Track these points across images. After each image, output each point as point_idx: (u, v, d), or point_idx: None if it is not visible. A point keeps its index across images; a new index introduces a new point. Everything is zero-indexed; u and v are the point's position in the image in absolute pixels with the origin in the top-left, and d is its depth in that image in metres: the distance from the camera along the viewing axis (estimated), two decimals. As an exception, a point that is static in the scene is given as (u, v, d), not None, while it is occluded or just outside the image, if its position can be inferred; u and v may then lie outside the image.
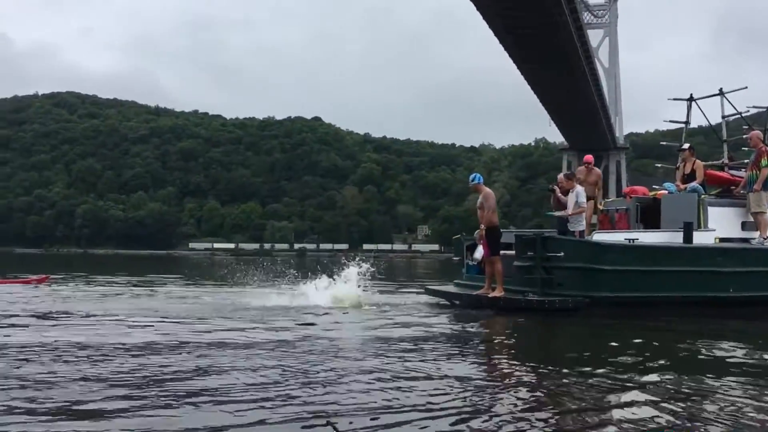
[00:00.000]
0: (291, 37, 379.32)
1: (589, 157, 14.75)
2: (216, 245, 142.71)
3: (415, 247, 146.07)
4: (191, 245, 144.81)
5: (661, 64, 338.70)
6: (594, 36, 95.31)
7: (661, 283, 11.90)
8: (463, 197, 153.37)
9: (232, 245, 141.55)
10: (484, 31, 66.53)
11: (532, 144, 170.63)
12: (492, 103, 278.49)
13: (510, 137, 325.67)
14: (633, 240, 12.16)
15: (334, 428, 1.97)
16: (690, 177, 13.74)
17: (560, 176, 13.52)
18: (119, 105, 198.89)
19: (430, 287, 15.14)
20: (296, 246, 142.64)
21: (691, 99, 16.77)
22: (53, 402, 4.73)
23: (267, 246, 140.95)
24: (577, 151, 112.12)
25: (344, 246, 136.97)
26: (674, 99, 17.61)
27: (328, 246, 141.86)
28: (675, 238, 12.30)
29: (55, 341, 7.56)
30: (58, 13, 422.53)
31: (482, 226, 12.31)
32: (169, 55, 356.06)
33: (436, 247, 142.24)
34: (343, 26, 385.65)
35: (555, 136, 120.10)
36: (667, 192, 13.75)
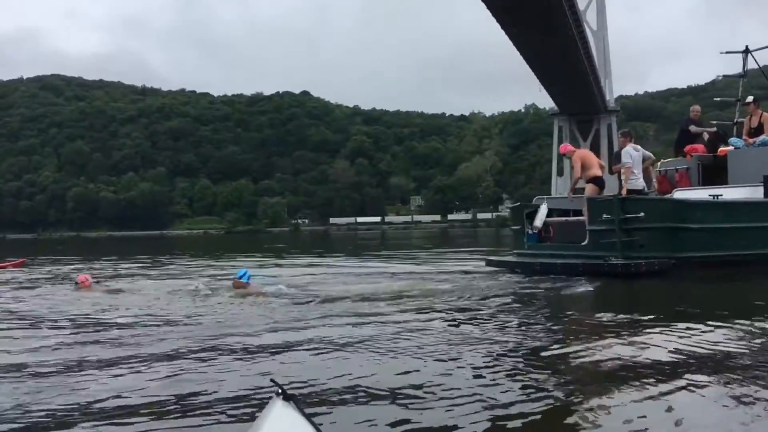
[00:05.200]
0: (278, 10, 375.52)
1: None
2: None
3: (416, 217, 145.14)
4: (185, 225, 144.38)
5: (650, 24, 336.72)
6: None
7: (751, 240, 11.49)
8: (454, 166, 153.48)
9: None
10: (470, -3, 65.77)
11: (522, 110, 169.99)
12: (481, 71, 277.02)
13: (500, 104, 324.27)
14: (717, 196, 11.74)
15: (280, 388, 2.05)
16: (757, 130, 13.32)
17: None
18: (105, 86, 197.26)
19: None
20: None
21: (746, 51, 15.94)
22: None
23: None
24: (568, 116, 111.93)
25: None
26: (727, 52, 16.86)
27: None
28: (754, 193, 11.88)
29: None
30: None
31: None
32: (154, 34, 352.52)
33: (437, 217, 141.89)
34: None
35: (545, 101, 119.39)
36: (732, 148, 13.24)
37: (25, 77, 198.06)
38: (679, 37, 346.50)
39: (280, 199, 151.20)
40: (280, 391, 2.14)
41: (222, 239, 78.69)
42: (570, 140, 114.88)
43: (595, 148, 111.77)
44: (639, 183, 12.18)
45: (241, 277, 9.90)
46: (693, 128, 14.43)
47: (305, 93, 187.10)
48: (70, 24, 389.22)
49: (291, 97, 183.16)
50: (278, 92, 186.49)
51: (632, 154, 12.23)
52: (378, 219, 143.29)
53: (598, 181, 12.82)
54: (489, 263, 14.12)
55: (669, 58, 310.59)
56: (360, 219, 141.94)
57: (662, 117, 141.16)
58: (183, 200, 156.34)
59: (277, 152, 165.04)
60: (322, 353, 5.45)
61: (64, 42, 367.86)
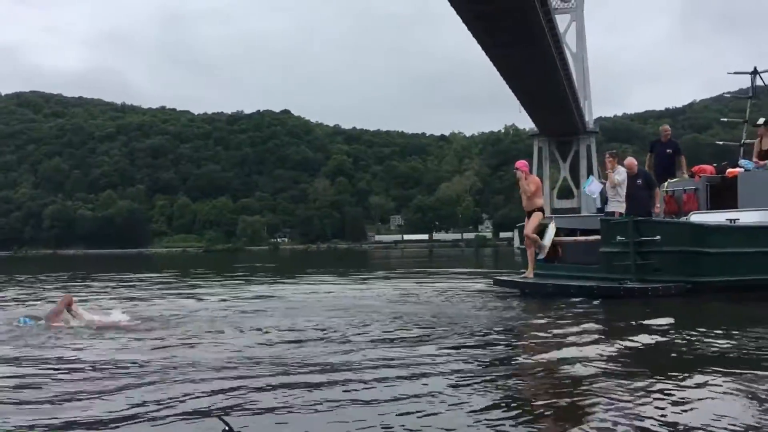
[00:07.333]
0: (259, 29, 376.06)
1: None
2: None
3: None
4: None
5: (629, 47, 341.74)
6: (561, 21, 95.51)
7: None
8: (434, 186, 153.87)
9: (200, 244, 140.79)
10: (453, 18, 66.09)
11: (502, 131, 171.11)
12: (462, 92, 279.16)
13: (480, 125, 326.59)
14: (734, 220, 11.67)
15: (224, 422, 1.98)
16: None
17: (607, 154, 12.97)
18: (85, 103, 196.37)
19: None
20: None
21: (755, 72, 15.94)
22: None
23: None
24: (547, 137, 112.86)
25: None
26: (735, 72, 16.86)
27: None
28: (767, 217, 11.81)
29: None
30: (22, 12, 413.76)
31: None
32: (134, 52, 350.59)
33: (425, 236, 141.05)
34: (313, 18, 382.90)
35: (525, 122, 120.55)
36: (742, 170, 13.13)
37: (3, 93, 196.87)
38: (657, 60, 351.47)
39: (260, 217, 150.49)
40: (227, 428, 2.07)
41: (201, 258, 77.82)
42: (549, 161, 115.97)
43: (575, 169, 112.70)
44: (623, 206, 12.09)
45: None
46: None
47: (285, 111, 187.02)
48: (50, 40, 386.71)
49: (271, 115, 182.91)
50: (258, 111, 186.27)
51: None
52: (426, 237, 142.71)
53: (543, 211, 12.89)
54: (497, 283, 13.80)
55: (647, 81, 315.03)
56: (407, 236, 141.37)
57: (640, 138, 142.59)
58: (162, 218, 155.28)
59: (257, 170, 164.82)
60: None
61: (44, 58, 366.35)
